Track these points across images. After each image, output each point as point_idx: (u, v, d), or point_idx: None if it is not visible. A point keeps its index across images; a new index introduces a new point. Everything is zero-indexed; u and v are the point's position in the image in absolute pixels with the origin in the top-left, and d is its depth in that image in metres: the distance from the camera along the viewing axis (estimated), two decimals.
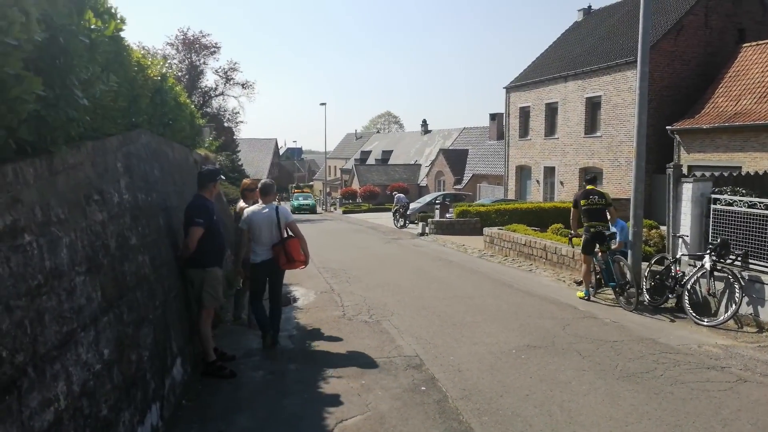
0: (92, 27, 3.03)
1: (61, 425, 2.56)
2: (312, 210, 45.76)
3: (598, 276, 9.57)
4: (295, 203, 46.44)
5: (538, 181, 30.42)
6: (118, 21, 3.47)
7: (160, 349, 4.44)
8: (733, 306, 7.55)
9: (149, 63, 5.91)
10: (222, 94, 42.90)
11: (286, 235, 6.46)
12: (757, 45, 21.68)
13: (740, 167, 17.61)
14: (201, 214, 5.48)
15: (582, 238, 9.34)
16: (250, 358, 6.20)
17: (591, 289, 9.30)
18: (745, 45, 22.29)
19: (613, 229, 9.59)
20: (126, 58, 4.39)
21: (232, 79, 42.18)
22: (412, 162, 54.17)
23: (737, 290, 7.55)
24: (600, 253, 9.14)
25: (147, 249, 4.57)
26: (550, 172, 29.61)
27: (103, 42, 3.25)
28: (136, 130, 5.18)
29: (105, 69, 3.53)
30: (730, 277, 7.73)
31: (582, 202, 9.25)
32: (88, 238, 3.26)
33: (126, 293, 3.81)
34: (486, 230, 16.32)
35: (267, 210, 6.41)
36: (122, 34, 4.24)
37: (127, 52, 4.51)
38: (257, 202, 6.68)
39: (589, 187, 9.44)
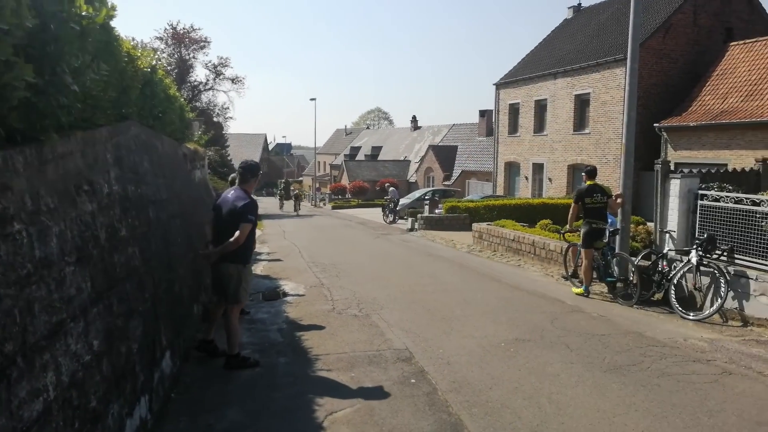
0: (83, 14, 3.00)
1: (50, 415, 2.54)
2: None
3: (573, 268, 9.90)
4: None
5: (526, 178, 30.57)
6: (109, 8, 3.43)
7: (149, 341, 4.42)
8: (719, 300, 7.65)
9: (139, 54, 5.85)
10: (212, 88, 42.69)
11: None
12: (745, 44, 21.94)
13: (726, 165, 17.81)
14: (253, 212, 5.53)
15: (582, 233, 9.23)
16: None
17: (591, 286, 9.21)
18: (732, 43, 22.54)
19: (617, 225, 9.59)
20: (116, 48, 4.35)
21: (221, 74, 41.95)
22: (402, 158, 54.16)
23: (723, 285, 7.65)
24: (595, 250, 9.16)
25: (137, 241, 4.54)
26: (538, 168, 29.77)
27: (93, 30, 3.21)
28: (125, 122, 5.14)
29: (95, 58, 3.49)
30: (716, 271, 7.83)
31: (587, 200, 9.12)
32: (77, 228, 3.24)
33: (116, 285, 3.78)
34: (475, 226, 16.36)
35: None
36: (112, 23, 4.20)
37: (118, 41, 4.46)
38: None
39: (589, 182, 9.29)
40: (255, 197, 5.90)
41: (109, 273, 3.70)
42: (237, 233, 5.36)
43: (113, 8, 3.54)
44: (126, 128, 5.07)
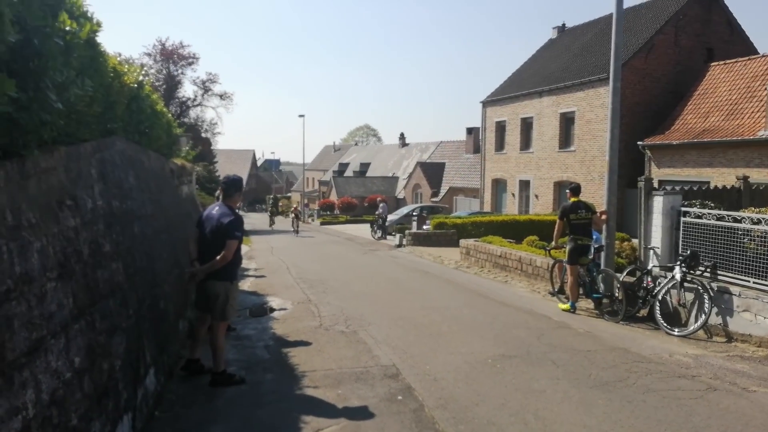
0: (67, 29, 3.00)
1: None
2: None
3: (559, 284, 10.00)
4: None
5: (513, 194, 30.76)
6: (94, 24, 3.44)
7: (132, 358, 4.36)
8: (703, 316, 7.71)
9: (126, 70, 5.85)
10: (200, 104, 42.71)
11: None
12: (725, 64, 22.39)
13: (708, 182, 18.07)
14: (240, 228, 5.49)
15: (567, 249, 9.29)
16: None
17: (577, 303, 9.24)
18: (713, 64, 22.99)
19: (602, 242, 9.66)
20: (102, 64, 4.35)
21: (210, 89, 42.03)
22: (390, 174, 54.31)
23: (707, 301, 7.72)
24: (580, 266, 9.22)
25: (121, 257, 4.50)
26: (525, 185, 29.98)
27: (78, 45, 3.22)
28: (111, 137, 5.12)
29: (80, 73, 3.49)
30: (699, 288, 7.91)
31: (571, 216, 9.19)
32: (60, 244, 3.21)
33: (98, 301, 3.74)
34: (462, 242, 16.41)
35: None
36: (98, 39, 4.20)
37: (103, 57, 4.47)
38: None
39: (574, 199, 9.37)
40: (244, 213, 5.85)
41: (92, 289, 3.66)
42: (224, 251, 5.32)
43: (98, 24, 3.55)
44: (111, 143, 5.05)
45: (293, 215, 30.91)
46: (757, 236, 7.56)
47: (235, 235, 5.41)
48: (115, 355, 3.92)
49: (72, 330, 3.18)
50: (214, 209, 5.68)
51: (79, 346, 3.26)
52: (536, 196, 28.80)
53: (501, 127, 32.10)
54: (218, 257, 5.32)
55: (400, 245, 20.71)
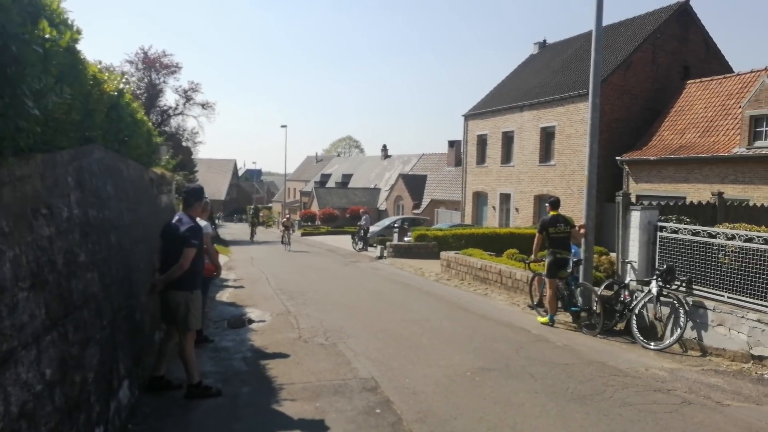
0: (46, 37, 2.97)
1: None
2: None
3: (538, 298, 10.07)
4: None
5: (494, 207, 30.99)
6: (74, 32, 3.41)
7: (106, 370, 4.28)
8: (678, 330, 7.82)
9: (106, 77, 5.80)
10: (181, 113, 42.24)
11: None
12: (701, 82, 22.92)
13: (684, 197, 18.42)
14: (197, 236, 5.43)
15: (546, 262, 9.39)
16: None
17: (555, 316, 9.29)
18: (689, 81, 23.53)
19: (580, 256, 9.76)
20: (81, 71, 4.31)
21: (192, 98, 41.69)
22: (372, 186, 54.39)
23: (682, 315, 7.83)
24: (559, 280, 9.31)
25: (96, 266, 4.44)
26: (505, 198, 30.24)
27: (57, 52, 3.18)
28: (89, 145, 5.06)
29: (59, 80, 3.45)
30: (675, 302, 8.02)
31: (550, 230, 9.30)
32: (33, 253, 3.15)
33: (72, 311, 3.67)
34: (443, 254, 16.46)
35: (203, 224, 6.80)
36: (78, 47, 4.17)
37: (83, 64, 4.43)
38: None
39: (553, 213, 9.49)
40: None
41: (66, 299, 3.59)
42: (180, 260, 5.29)
43: (78, 32, 3.52)
44: (89, 151, 4.99)
45: (283, 227, 26.96)
46: (731, 252, 7.70)
47: (192, 242, 5.37)
48: (88, 367, 3.85)
49: (44, 341, 3.12)
50: (175, 219, 5.68)
51: (51, 358, 3.19)
52: (516, 210, 29.06)
53: (482, 141, 32.40)
54: (175, 266, 5.29)
55: (381, 257, 20.71)
